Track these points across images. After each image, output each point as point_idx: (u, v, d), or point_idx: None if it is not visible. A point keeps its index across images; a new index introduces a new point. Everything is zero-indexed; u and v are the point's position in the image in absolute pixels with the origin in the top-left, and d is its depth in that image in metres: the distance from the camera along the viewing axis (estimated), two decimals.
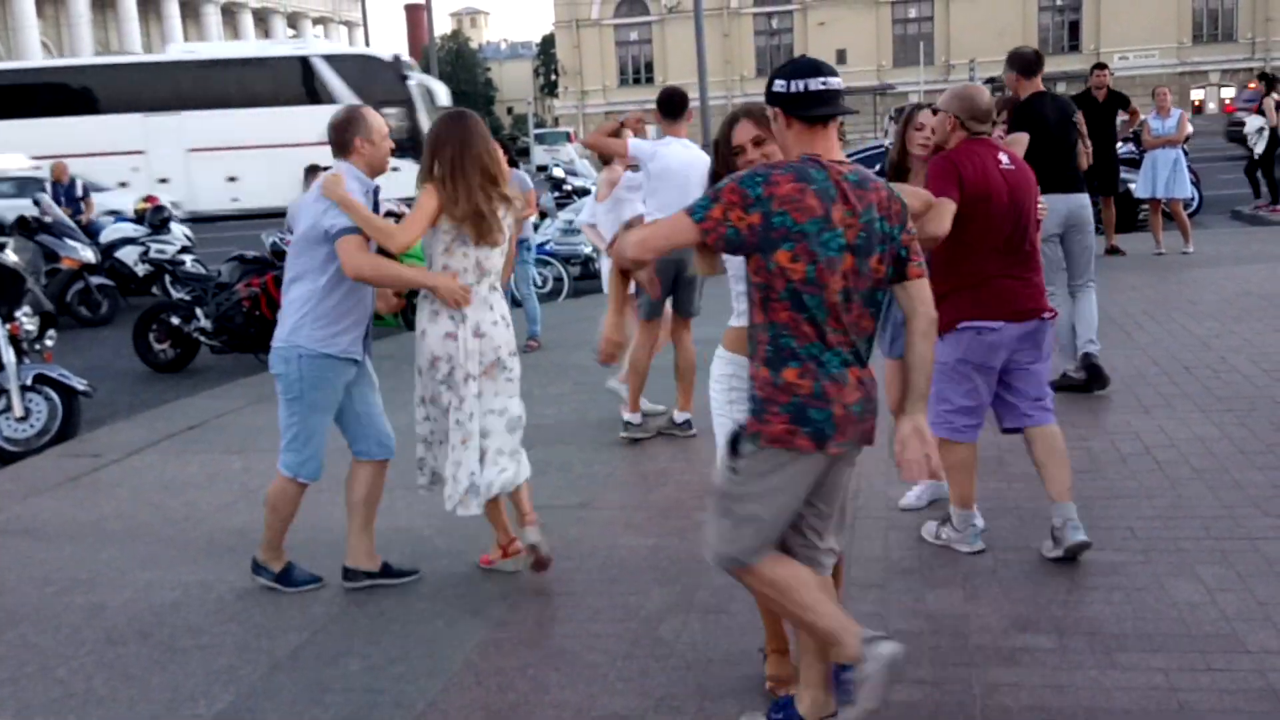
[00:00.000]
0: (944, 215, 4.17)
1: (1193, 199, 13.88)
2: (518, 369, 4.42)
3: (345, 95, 25.79)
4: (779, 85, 2.90)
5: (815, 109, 2.87)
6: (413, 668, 3.79)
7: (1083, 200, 6.67)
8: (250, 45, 40.23)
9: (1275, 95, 14.42)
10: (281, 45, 36.64)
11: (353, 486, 4.52)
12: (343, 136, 4.33)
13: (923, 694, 3.38)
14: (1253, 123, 15.05)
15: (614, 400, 6.85)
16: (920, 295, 2.96)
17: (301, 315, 4.27)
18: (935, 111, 4.56)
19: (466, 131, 4.22)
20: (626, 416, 6.33)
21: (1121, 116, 11.57)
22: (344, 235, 4.13)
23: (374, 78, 28.17)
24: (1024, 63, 6.53)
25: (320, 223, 4.18)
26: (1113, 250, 11.78)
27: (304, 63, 29.38)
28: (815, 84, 2.87)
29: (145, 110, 28.34)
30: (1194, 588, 3.97)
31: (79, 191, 15.14)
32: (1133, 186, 13.12)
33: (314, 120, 10.53)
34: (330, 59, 29.49)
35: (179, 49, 35.29)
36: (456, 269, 4.24)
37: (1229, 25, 60.31)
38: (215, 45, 40.59)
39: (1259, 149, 14.80)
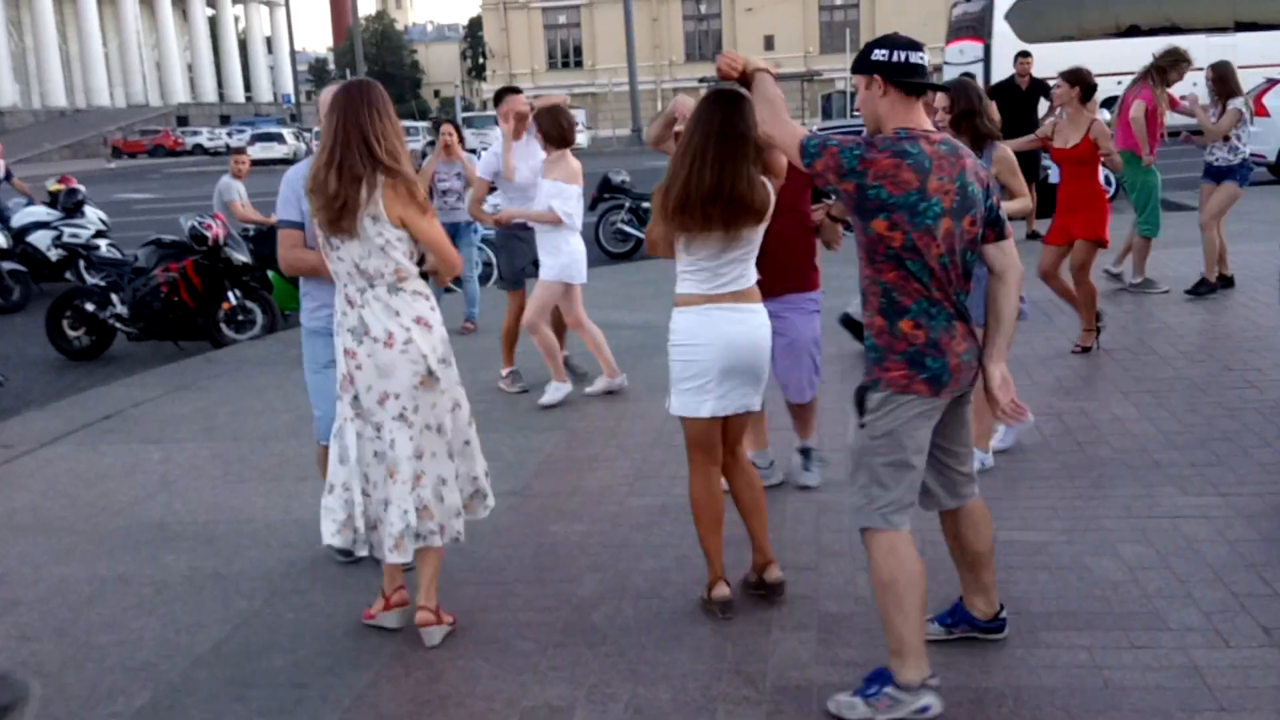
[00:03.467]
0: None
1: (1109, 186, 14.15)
2: (449, 376, 3.81)
3: None
4: (880, 54, 3.07)
5: (915, 78, 3.05)
6: (339, 660, 3.71)
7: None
8: None
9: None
10: None
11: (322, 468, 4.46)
12: None
13: (854, 675, 3.39)
14: None
15: (543, 386, 6.81)
16: (1012, 252, 3.22)
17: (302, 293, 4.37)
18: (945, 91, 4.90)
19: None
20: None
21: (1045, 104, 11.75)
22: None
23: None
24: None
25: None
26: (1033, 235, 11.98)
27: None
28: (915, 57, 3.06)
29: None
30: (1116, 566, 4.04)
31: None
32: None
33: None
34: None
35: None
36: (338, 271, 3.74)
37: None
38: None
39: None
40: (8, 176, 14.32)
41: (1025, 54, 12.34)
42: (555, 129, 6.41)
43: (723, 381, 3.70)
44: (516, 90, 7.42)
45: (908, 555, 3.12)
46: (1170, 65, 8.74)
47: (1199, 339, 7.35)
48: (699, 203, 3.51)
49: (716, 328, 3.66)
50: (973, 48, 22.30)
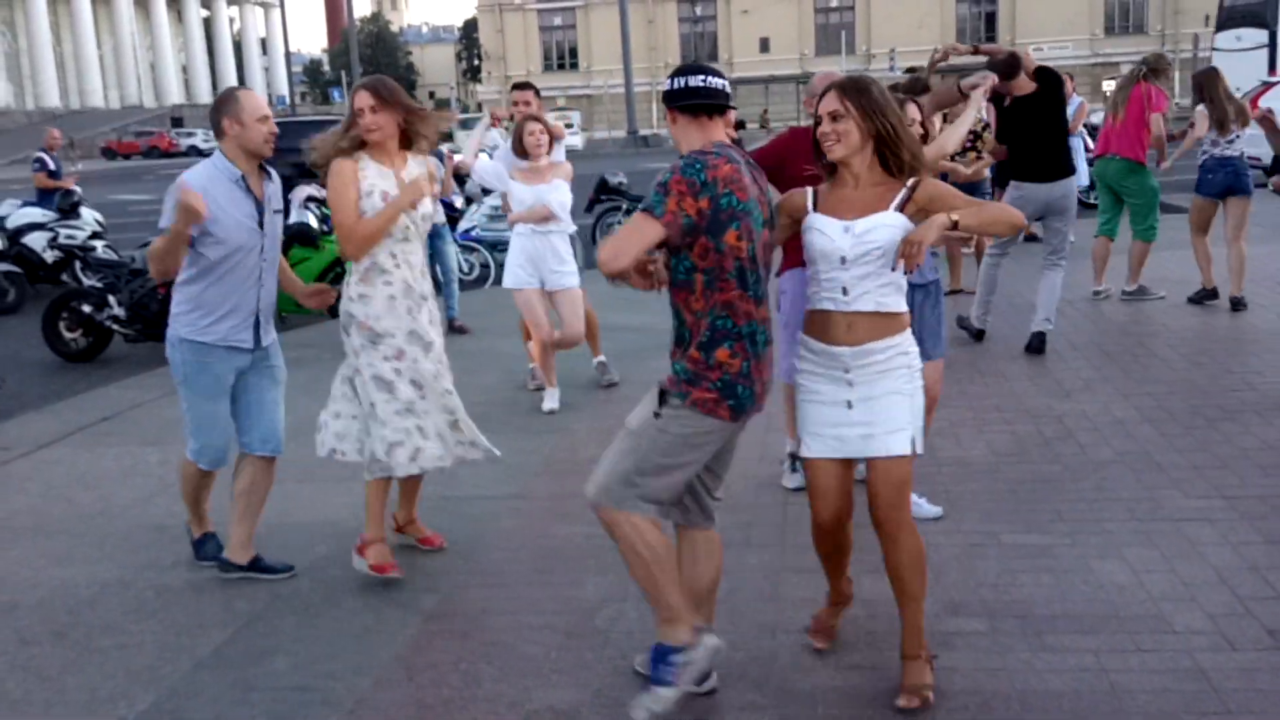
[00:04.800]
0: None
1: (1092, 187, 14.19)
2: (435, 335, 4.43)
3: None
4: (666, 86, 3.17)
5: (696, 100, 3.11)
6: (342, 664, 3.69)
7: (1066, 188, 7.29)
8: None
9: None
10: None
11: (237, 476, 4.51)
12: (214, 118, 4.21)
13: (860, 678, 3.38)
14: None
15: (540, 389, 6.80)
16: None
17: (178, 304, 4.32)
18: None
19: None
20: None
21: None
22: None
23: None
24: (1000, 65, 6.91)
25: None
26: (1031, 238, 12.01)
27: None
28: (694, 80, 3.11)
29: None
30: (1120, 569, 4.04)
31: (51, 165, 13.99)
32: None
33: None
34: None
35: None
36: None
37: (1140, 18, 61.89)
38: None
39: None
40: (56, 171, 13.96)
41: None
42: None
43: None
44: (526, 86, 7.21)
45: (654, 530, 3.09)
46: (1163, 68, 8.75)
47: (1198, 341, 7.36)
48: None
49: None
50: (1254, 34, 23.10)
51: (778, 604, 3.93)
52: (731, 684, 3.41)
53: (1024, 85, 6.97)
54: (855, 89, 3.17)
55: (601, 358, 7.23)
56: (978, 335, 7.72)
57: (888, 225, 3.14)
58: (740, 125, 15.31)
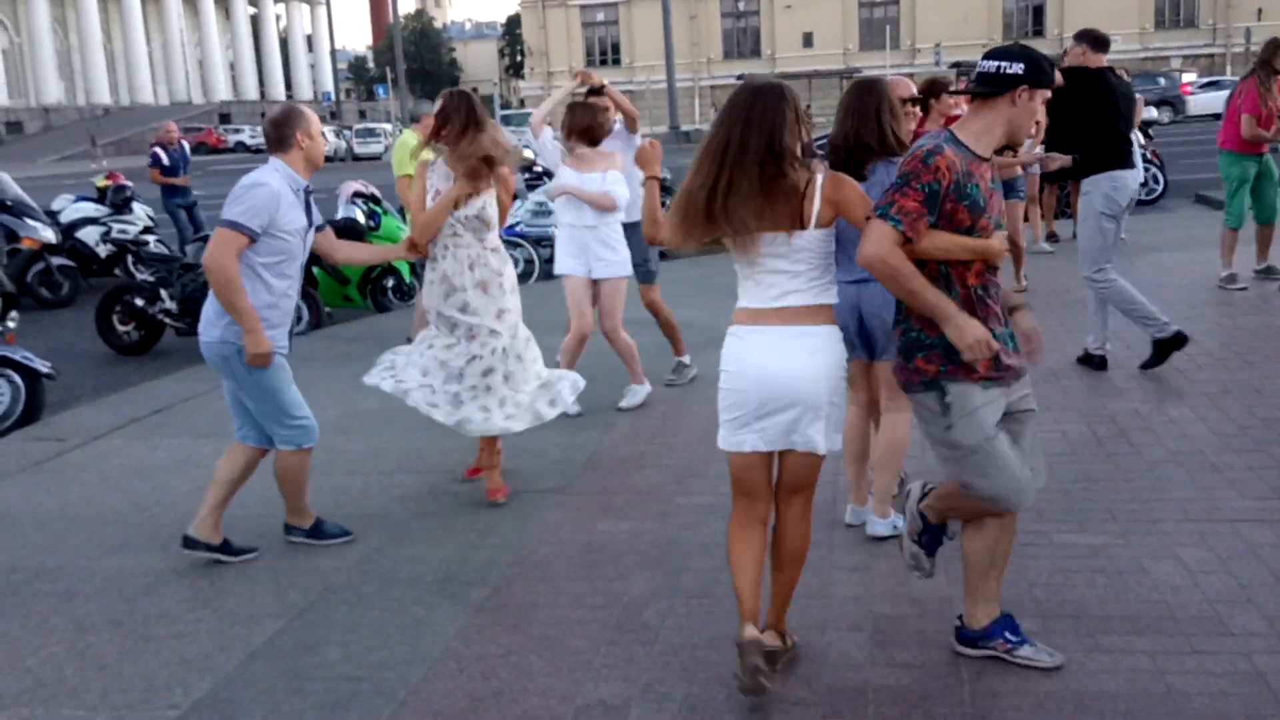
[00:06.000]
0: None
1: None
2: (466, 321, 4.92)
3: None
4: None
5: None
6: (393, 655, 3.73)
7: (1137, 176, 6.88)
8: None
9: None
10: None
11: (224, 463, 4.64)
12: (282, 132, 4.40)
13: (910, 678, 3.36)
14: None
15: (589, 383, 6.80)
16: None
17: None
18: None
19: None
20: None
21: None
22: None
23: None
24: (1094, 38, 6.65)
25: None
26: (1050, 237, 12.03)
27: None
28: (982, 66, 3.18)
29: None
30: (1175, 570, 3.98)
31: (189, 153, 14.11)
32: None
33: None
34: None
35: None
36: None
37: (1191, 11, 60.85)
38: None
39: None
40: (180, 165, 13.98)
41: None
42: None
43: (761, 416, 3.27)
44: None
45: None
46: (1274, 56, 8.66)
47: (1253, 340, 7.24)
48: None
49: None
50: None
51: (826, 601, 3.91)
52: (779, 679, 3.40)
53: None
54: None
55: (683, 358, 7.15)
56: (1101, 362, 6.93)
57: None
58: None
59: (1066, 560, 4.12)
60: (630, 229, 6.52)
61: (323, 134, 4.56)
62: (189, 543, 4.58)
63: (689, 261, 12.43)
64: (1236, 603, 3.71)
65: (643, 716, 3.26)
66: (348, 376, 6.30)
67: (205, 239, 10.08)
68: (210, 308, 4.41)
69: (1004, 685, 3.29)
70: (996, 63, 3.12)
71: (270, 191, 4.28)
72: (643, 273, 6.83)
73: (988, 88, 3.13)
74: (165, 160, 13.95)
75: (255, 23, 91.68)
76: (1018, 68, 3.10)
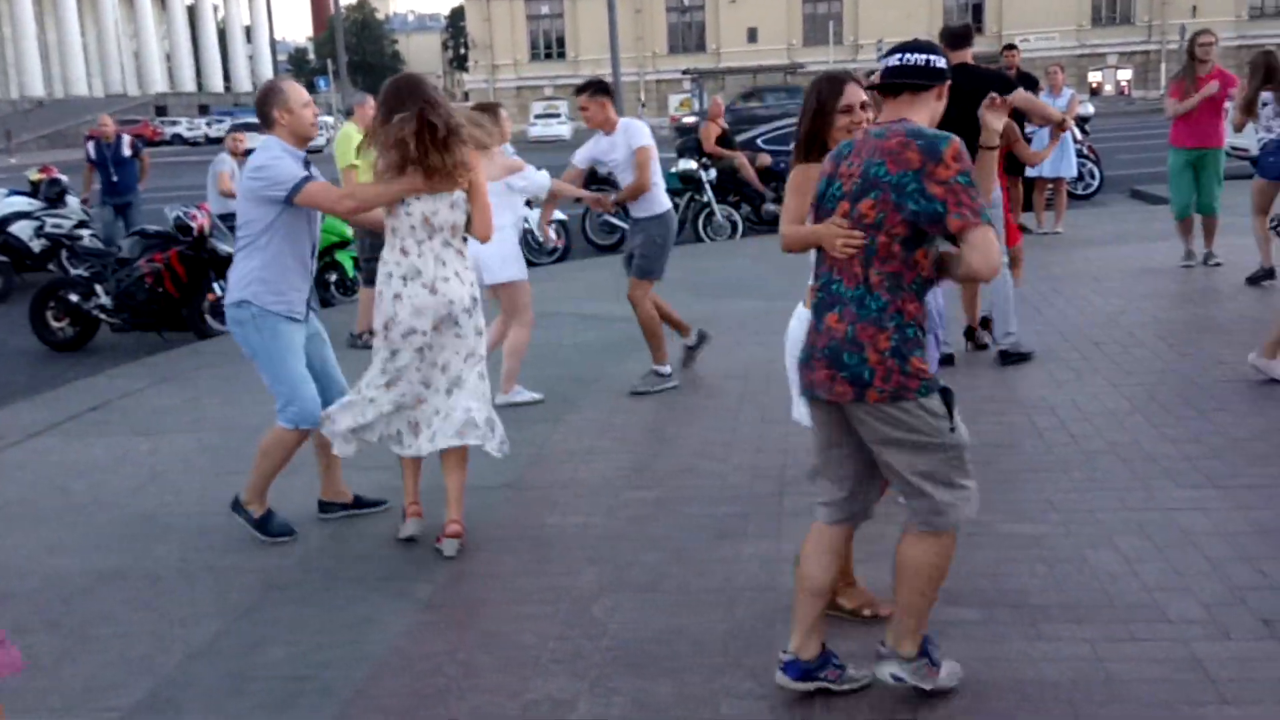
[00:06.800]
0: None
1: (1080, 178, 14.36)
2: (470, 325, 4.44)
3: None
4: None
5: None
6: (338, 654, 3.69)
7: None
8: None
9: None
10: None
11: (316, 433, 4.71)
12: (263, 110, 4.47)
13: (856, 669, 3.38)
14: None
15: (533, 376, 6.80)
16: None
17: (245, 274, 4.48)
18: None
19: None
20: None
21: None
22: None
23: None
24: (950, 35, 6.68)
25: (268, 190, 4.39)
26: (1020, 228, 12.06)
27: None
28: (892, 60, 3.10)
29: None
30: (1114, 559, 4.06)
31: (127, 150, 13.22)
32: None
33: None
34: None
35: None
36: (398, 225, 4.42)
37: (1126, 9, 62.02)
38: None
39: None
40: (137, 152, 13.42)
41: (1011, 46, 12.41)
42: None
43: None
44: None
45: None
46: (1193, 44, 9.26)
47: (1188, 332, 7.39)
48: None
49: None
50: None
51: (775, 594, 3.93)
52: (728, 672, 3.41)
53: None
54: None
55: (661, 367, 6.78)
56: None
57: None
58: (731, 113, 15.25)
59: (1008, 550, 4.18)
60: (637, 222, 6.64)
61: (310, 104, 4.55)
62: (324, 507, 4.90)
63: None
64: (1174, 590, 3.79)
65: (591, 711, 3.26)
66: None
67: (140, 233, 9.88)
68: (234, 273, 4.52)
69: None
70: (924, 55, 3.08)
71: (283, 160, 4.41)
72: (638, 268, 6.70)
73: (925, 80, 3.10)
74: (93, 155, 13.57)
75: (192, 13, 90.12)
76: (942, 61, 3.11)
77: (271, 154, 4.42)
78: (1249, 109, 8.61)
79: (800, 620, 3.24)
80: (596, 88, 6.50)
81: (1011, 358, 6.82)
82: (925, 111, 3.10)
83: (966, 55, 6.64)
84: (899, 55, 3.11)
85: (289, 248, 4.48)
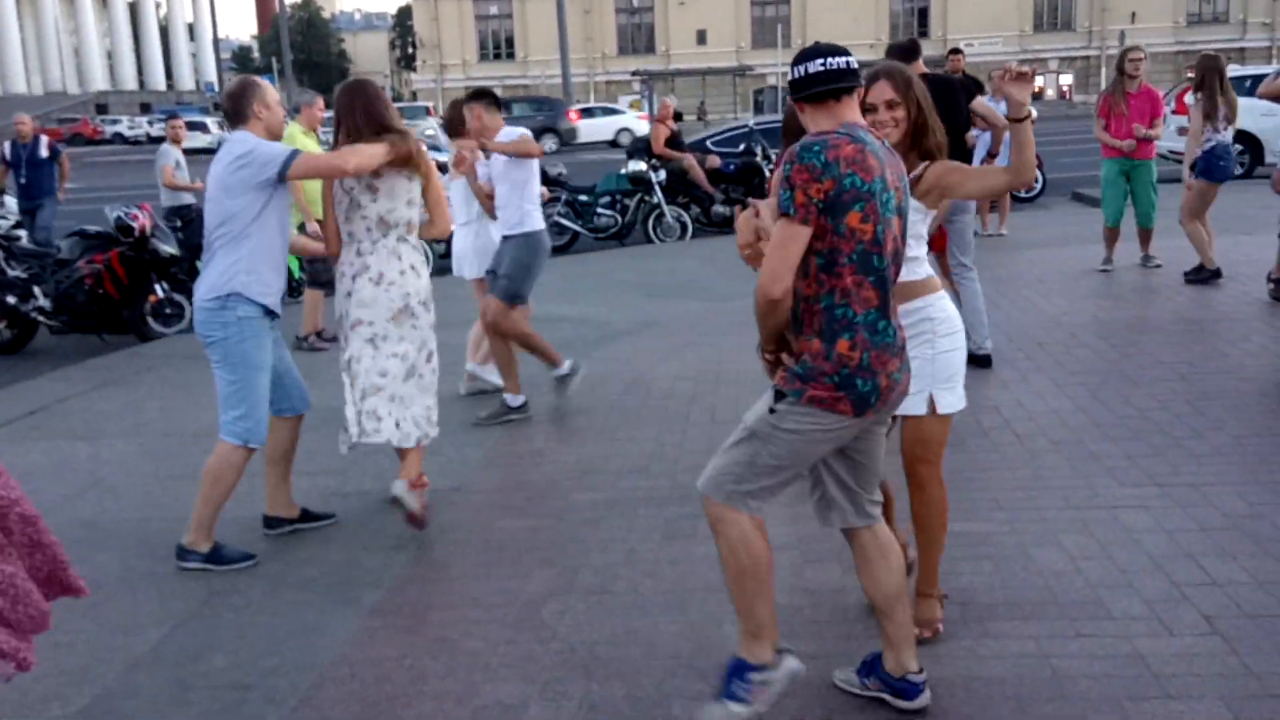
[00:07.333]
0: None
1: (1037, 183, 14.54)
2: (426, 318, 4.58)
3: None
4: (790, 75, 3.01)
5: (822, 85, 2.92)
6: (283, 661, 3.63)
7: None
8: None
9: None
10: None
11: (273, 443, 4.61)
12: (239, 105, 4.42)
13: (811, 668, 3.39)
14: None
15: (480, 380, 6.77)
16: None
17: (232, 264, 4.31)
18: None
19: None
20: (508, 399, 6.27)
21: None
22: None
23: None
24: (900, 50, 6.74)
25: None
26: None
27: None
28: (815, 66, 2.92)
29: None
30: (1059, 556, 4.10)
31: (44, 152, 12.66)
32: None
33: None
34: None
35: None
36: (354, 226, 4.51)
37: (1068, 15, 63.05)
38: None
39: None
40: (56, 154, 13.12)
41: (956, 50, 12.55)
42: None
43: None
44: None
45: (759, 540, 2.99)
46: (1123, 59, 9.41)
47: (1129, 333, 7.51)
48: None
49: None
50: None
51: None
52: (679, 673, 3.41)
53: None
54: (906, 78, 3.34)
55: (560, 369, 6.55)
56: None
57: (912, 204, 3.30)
58: (678, 117, 15.29)
59: (954, 548, 4.20)
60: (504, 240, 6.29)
61: (280, 104, 4.53)
62: (270, 523, 4.75)
63: (594, 255, 12.42)
64: (1117, 587, 3.84)
65: (541, 715, 3.24)
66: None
67: (80, 233, 9.68)
68: (213, 269, 4.34)
69: None
70: (844, 59, 2.94)
71: (265, 143, 4.35)
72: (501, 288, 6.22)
73: (856, 82, 3.02)
74: (8, 155, 13.22)
75: (134, 10, 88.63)
76: (856, 62, 3.04)
77: (250, 142, 4.32)
78: (1210, 118, 8.78)
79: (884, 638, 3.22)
80: (475, 95, 6.34)
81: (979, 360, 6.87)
82: (856, 112, 3.01)
83: (919, 67, 6.68)
84: (822, 60, 2.91)
85: (276, 238, 4.39)
